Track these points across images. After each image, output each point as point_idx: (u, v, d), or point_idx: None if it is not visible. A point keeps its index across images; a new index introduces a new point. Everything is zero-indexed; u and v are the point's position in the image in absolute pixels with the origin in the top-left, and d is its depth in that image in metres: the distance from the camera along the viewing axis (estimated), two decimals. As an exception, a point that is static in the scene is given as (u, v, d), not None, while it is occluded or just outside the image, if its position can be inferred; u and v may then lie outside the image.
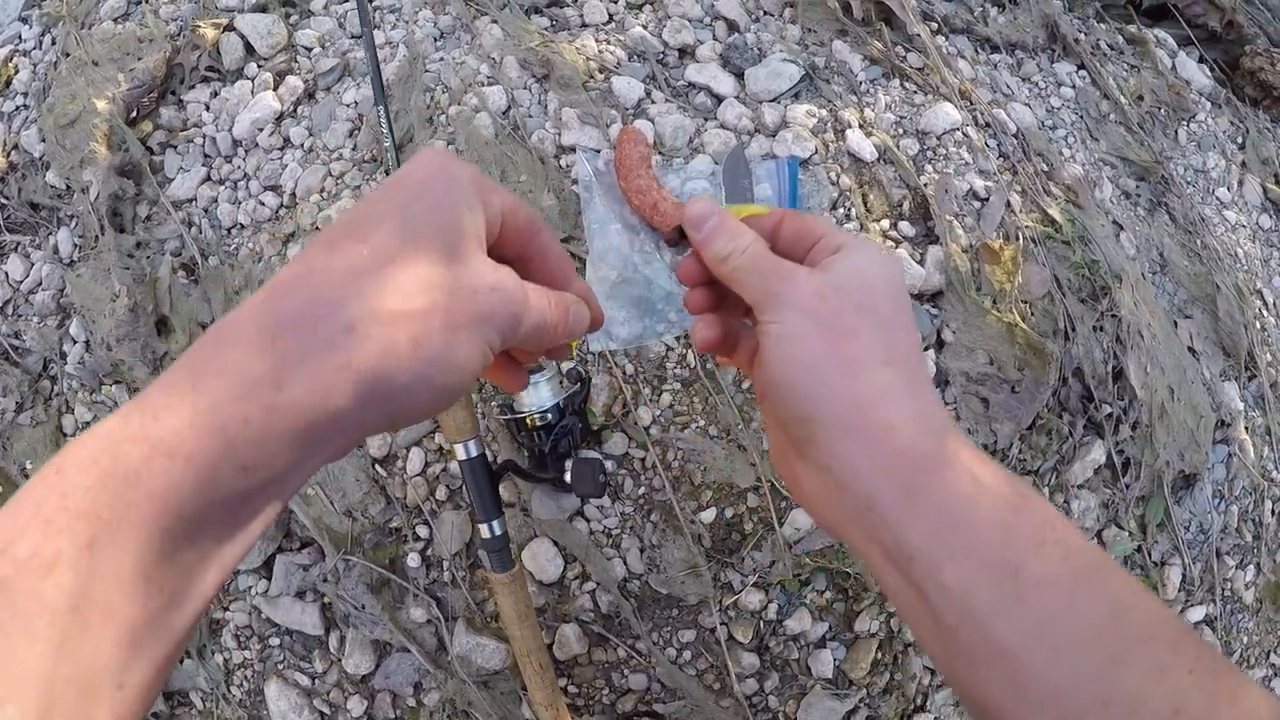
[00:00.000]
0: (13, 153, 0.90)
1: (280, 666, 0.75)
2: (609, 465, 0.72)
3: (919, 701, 0.81)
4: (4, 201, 0.88)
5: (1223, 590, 0.92)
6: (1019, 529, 0.27)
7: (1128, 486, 0.86)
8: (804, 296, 0.31)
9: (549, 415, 0.65)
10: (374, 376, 0.25)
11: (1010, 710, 0.25)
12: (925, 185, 0.82)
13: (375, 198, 0.28)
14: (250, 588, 0.75)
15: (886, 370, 0.29)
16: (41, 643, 0.20)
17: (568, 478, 0.64)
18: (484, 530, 0.65)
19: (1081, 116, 0.94)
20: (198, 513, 0.23)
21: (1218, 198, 0.97)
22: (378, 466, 0.73)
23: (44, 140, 0.88)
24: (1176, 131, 0.98)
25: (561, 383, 0.67)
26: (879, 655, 0.78)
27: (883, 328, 0.30)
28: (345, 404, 0.24)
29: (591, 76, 0.81)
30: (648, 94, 0.81)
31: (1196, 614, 0.90)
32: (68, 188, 0.86)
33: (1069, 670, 0.24)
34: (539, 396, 0.66)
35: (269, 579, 0.75)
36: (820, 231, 0.34)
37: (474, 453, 0.65)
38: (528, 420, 0.67)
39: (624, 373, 0.73)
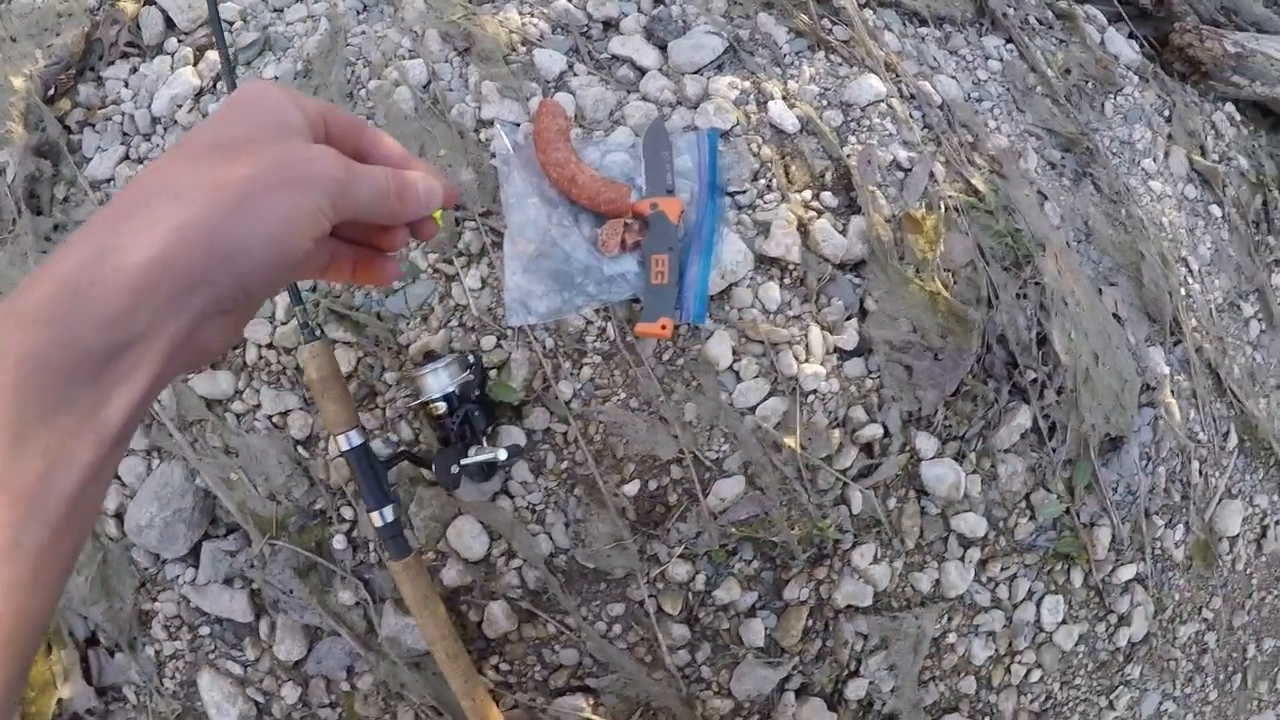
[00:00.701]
0: None
1: (212, 656, 0.75)
2: (533, 439, 0.72)
3: (852, 667, 0.82)
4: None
5: (1153, 550, 0.94)
6: None
7: (1054, 450, 0.87)
8: None
9: (444, 403, 0.66)
10: (207, 231, 0.27)
11: None
12: (848, 156, 0.82)
13: (198, 125, 0.31)
14: (178, 576, 0.74)
15: None
16: None
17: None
18: (375, 519, 0.65)
19: (1008, 89, 0.95)
20: (64, 372, 0.24)
21: (1143, 169, 0.99)
22: (300, 449, 0.73)
23: None
24: (1103, 104, 0.99)
25: (458, 371, 0.67)
26: (810, 623, 0.79)
27: None
28: (185, 259, 0.26)
29: (514, 49, 0.81)
30: (570, 67, 0.81)
31: (1127, 573, 0.92)
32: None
33: None
34: (434, 384, 0.66)
35: (196, 567, 0.74)
36: None
37: (356, 442, 0.65)
38: (429, 409, 0.67)
39: (544, 347, 0.73)
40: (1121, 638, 0.96)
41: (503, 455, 0.65)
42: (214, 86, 0.83)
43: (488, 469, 0.69)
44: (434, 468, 0.65)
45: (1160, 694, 1.03)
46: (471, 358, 0.68)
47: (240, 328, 0.32)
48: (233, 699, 0.74)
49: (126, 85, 0.84)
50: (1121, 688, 1.00)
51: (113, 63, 0.86)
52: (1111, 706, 1.00)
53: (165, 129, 0.81)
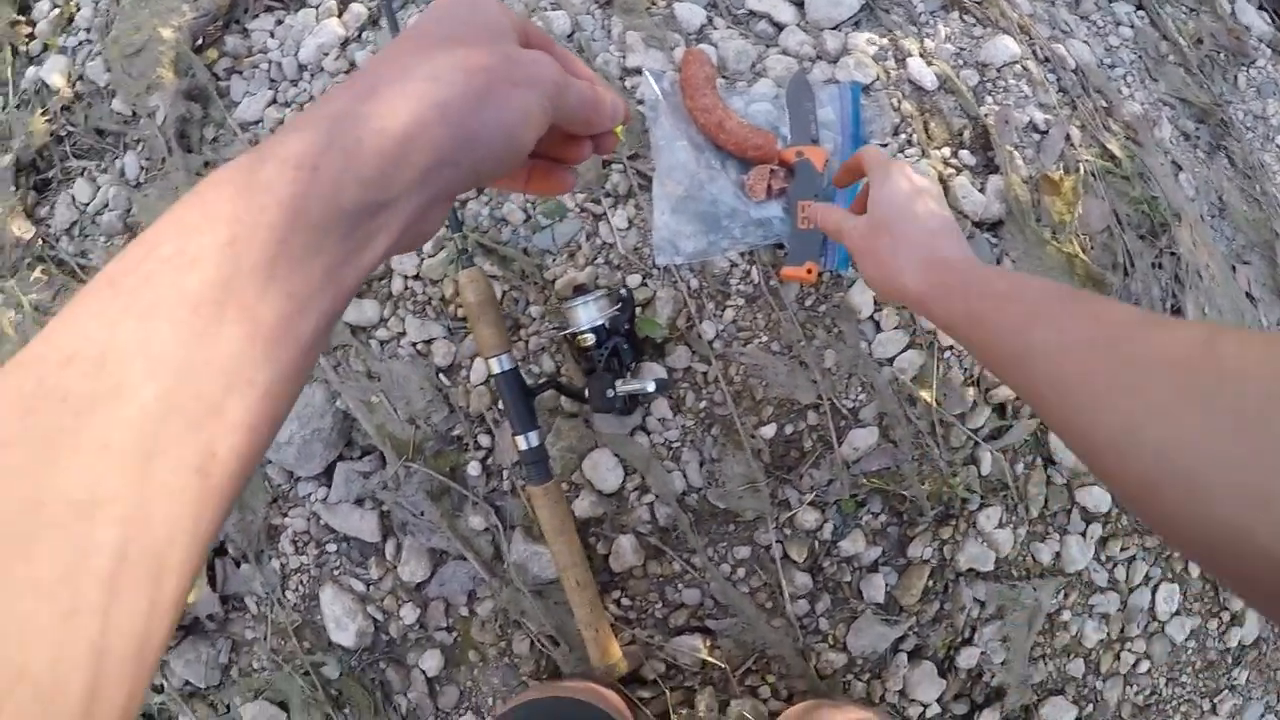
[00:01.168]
0: (78, 83, 0.91)
1: (336, 572, 0.76)
2: (674, 377, 0.73)
3: (967, 634, 0.81)
4: (71, 129, 0.90)
5: None
6: (979, 313, 0.43)
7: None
8: (858, 242, 0.56)
9: (593, 335, 0.66)
10: (460, 113, 0.28)
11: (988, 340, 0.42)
12: (985, 116, 0.82)
13: (413, 23, 0.32)
14: (310, 494, 0.76)
15: (894, 259, 0.52)
16: (184, 330, 0.21)
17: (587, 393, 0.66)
18: (520, 442, 0.67)
19: (1140, 56, 0.94)
20: (324, 221, 0.25)
21: (1277, 145, 0.97)
22: (441, 375, 0.74)
23: (109, 70, 0.89)
24: (1236, 76, 0.97)
25: (607, 305, 0.68)
26: (930, 583, 0.78)
27: (893, 234, 0.53)
28: (439, 136, 0.27)
29: (654, 2, 0.82)
30: (709, 20, 0.81)
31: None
32: (134, 114, 0.87)
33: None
34: (584, 316, 0.67)
35: (329, 486, 0.75)
36: (861, 171, 0.61)
37: (506, 366, 0.66)
38: (578, 340, 0.67)
39: (689, 287, 0.73)
40: (1232, 638, 0.94)
41: (651, 387, 0.66)
42: (359, 36, 0.85)
43: (630, 401, 0.69)
44: (587, 393, 0.66)
45: (1264, 705, 1.00)
46: (623, 291, 0.68)
47: (444, 217, 0.33)
48: (353, 615, 0.75)
49: (272, 36, 0.86)
50: (1226, 691, 0.97)
51: (257, 16, 0.88)
52: (1214, 711, 0.97)
53: (312, 76, 0.83)
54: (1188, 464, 0.28)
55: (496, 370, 0.67)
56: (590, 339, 0.67)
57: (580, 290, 0.71)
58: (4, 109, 0.91)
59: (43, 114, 0.89)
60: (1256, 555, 0.26)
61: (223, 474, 0.22)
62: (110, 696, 0.19)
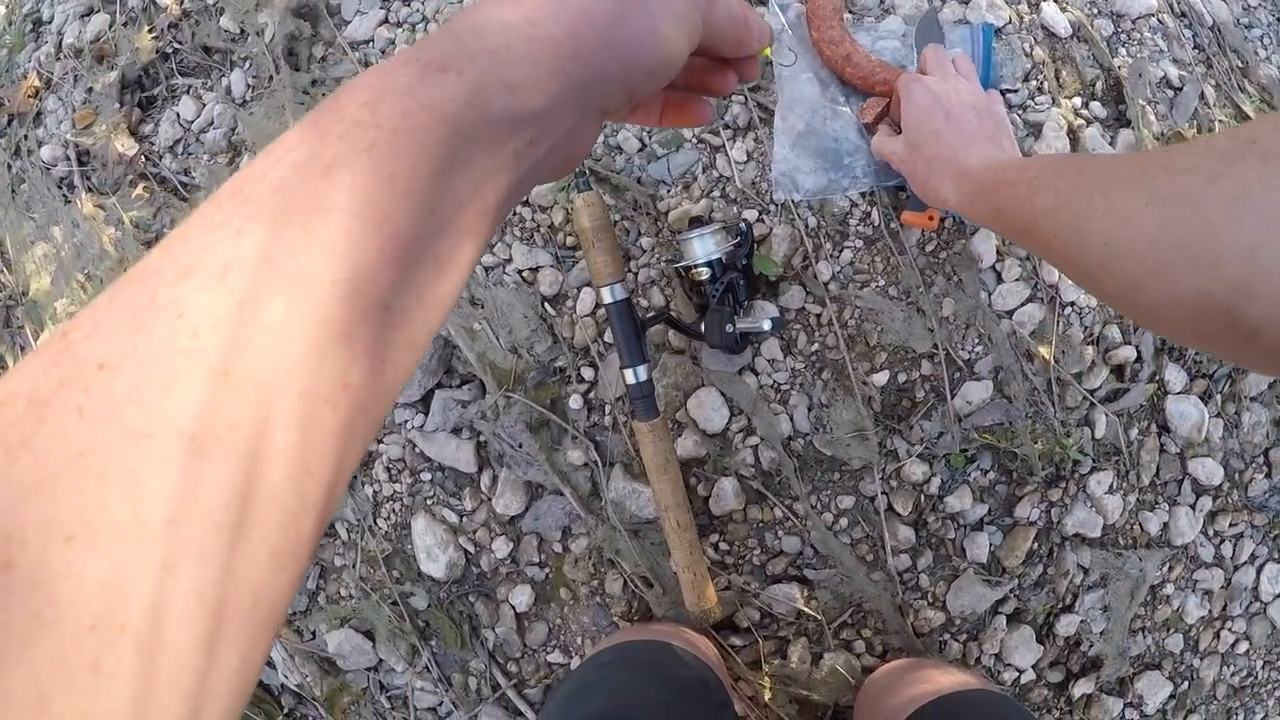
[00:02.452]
0: (186, 1, 0.90)
1: (429, 502, 0.75)
2: (786, 317, 0.70)
3: (1068, 601, 0.79)
4: (177, 46, 0.89)
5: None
6: (1006, 197, 0.48)
7: (1305, 403, 0.82)
8: (900, 165, 0.62)
9: (708, 269, 0.64)
10: (610, 20, 0.26)
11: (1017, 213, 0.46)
12: (1119, 67, 0.78)
13: None
14: (406, 421, 0.75)
15: (930, 169, 0.57)
16: (317, 242, 0.19)
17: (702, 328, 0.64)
18: (628, 375, 0.65)
19: (1278, 19, 0.89)
20: (469, 129, 0.22)
21: None
22: (547, 305, 0.73)
23: None
24: (1376, 43, 0.92)
25: (725, 239, 0.66)
26: (1035, 546, 0.76)
27: (926, 147, 0.59)
28: (589, 43, 0.26)
29: (777, -67, 0.79)
30: (835, -46, 0.78)
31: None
32: (242, 31, 0.86)
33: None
34: (700, 249, 0.65)
35: (426, 414, 0.75)
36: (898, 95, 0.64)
37: (619, 296, 0.64)
38: (692, 274, 0.65)
39: (806, 225, 0.71)
40: (1332, 624, 0.90)
41: (767, 325, 0.64)
42: None
43: (743, 340, 0.67)
44: (705, 328, 0.64)
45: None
46: (743, 225, 0.66)
47: (598, 136, 0.32)
48: (444, 546, 0.74)
49: None
50: (1320, 679, 0.93)
51: None
52: (1307, 699, 0.94)
53: None
54: (1156, 256, 0.33)
55: (609, 299, 0.65)
56: (705, 273, 0.65)
57: (697, 222, 0.69)
58: (111, 26, 0.91)
59: (150, 31, 0.88)
60: (1216, 313, 0.30)
61: (353, 406, 0.19)
62: (226, 653, 0.17)
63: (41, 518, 0.15)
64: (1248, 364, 0.33)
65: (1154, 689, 0.83)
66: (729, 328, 0.63)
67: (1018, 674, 0.78)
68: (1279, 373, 0.32)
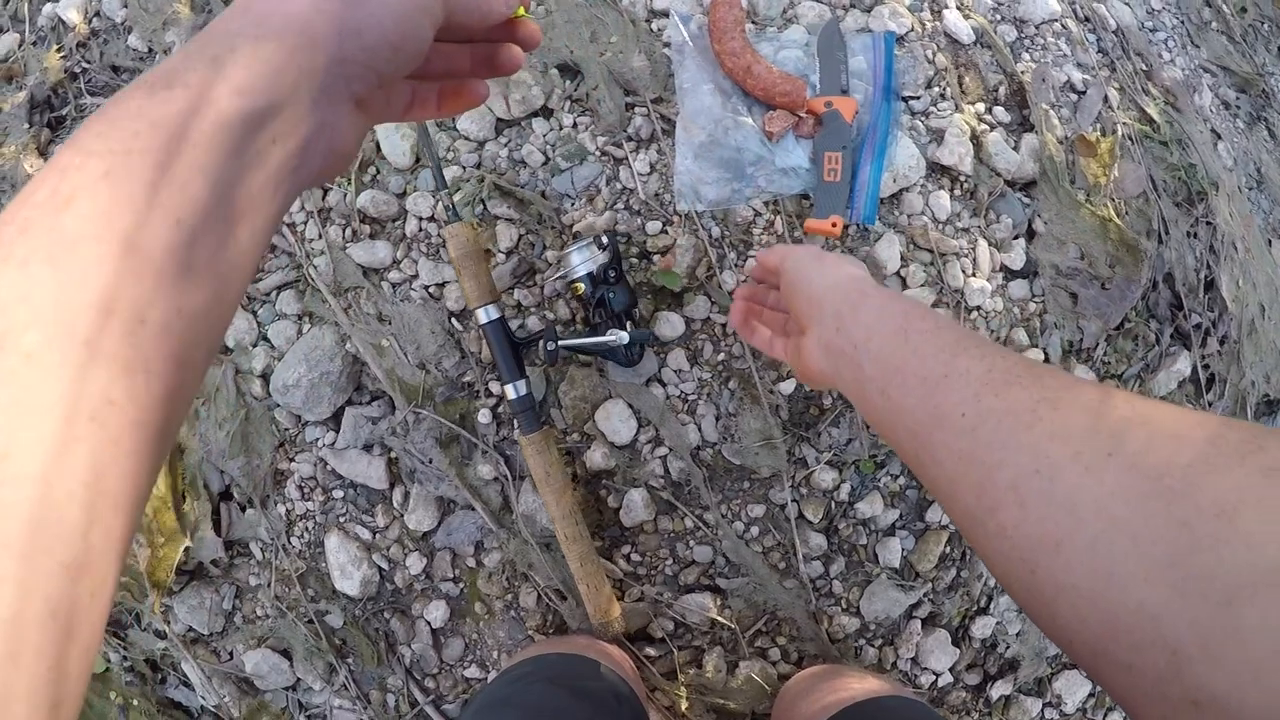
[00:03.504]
0: (94, 19, 0.89)
1: (342, 519, 0.75)
2: (692, 328, 0.71)
3: (983, 603, 0.79)
4: (86, 65, 0.88)
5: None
6: (910, 318, 0.40)
7: (1211, 404, 0.83)
8: (794, 315, 0.51)
9: (585, 283, 0.65)
10: (338, 5, 0.27)
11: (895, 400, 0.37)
12: (1022, 73, 0.79)
13: None
14: (318, 439, 0.74)
15: (804, 352, 0.47)
16: (63, 271, 0.20)
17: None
18: (509, 391, 0.66)
19: (1182, 22, 0.90)
20: (202, 137, 0.23)
21: (1319, 117, 0.93)
22: (453, 320, 0.72)
23: (125, 5, 0.87)
24: (1280, 46, 0.94)
25: (596, 251, 0.66)
26: (948, 549, 0.76)
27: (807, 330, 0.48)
28: (319, 31, 0.26)
29: (683, -55, 0.79)
30: (740, -35, 0.79)
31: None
32: (150, 50, 0.85)
33: (927, 363, 0.36)
34: (576, 263, 0.65)
35: (337, 431, 0.74)
36: (775, 269, 0.53)
37: (493, 316, 0.66)
38: (573, 287, 0.66)
39: (710, 235, 0.71)
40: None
41: (617, 339, 0.63)
42: None
43: (628, 353, 0.67)
44: (539, 344, 0.64)
45: None
46: (604, 239, 0.66)
47: (363, 132, 0.32)
48: (358, 563, 0.74)
49: None
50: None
51: None
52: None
53: None
54: (1098, 528, 0.25)
55: (483, 320, 0.66)
56: (582, 287, 0.65)
57: (576, 238, 0.69)
58: (20, 46, 0.89)
59: (58, 50, 0.87)
60: (1159, 646, 0.22)
61: (122, 421, 0.20)
62: (31, 661, 0.17)
63: None
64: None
65: (1072, 688, 0.84)
66: (549, 345, 0.63)
67: (935, 677, 0.79)
68: None
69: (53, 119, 0.88)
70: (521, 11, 0.35)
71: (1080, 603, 0.25)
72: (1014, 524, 0.28)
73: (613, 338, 0.63)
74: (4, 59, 0.90)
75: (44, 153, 0.87)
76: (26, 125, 0.87)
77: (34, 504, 0.18)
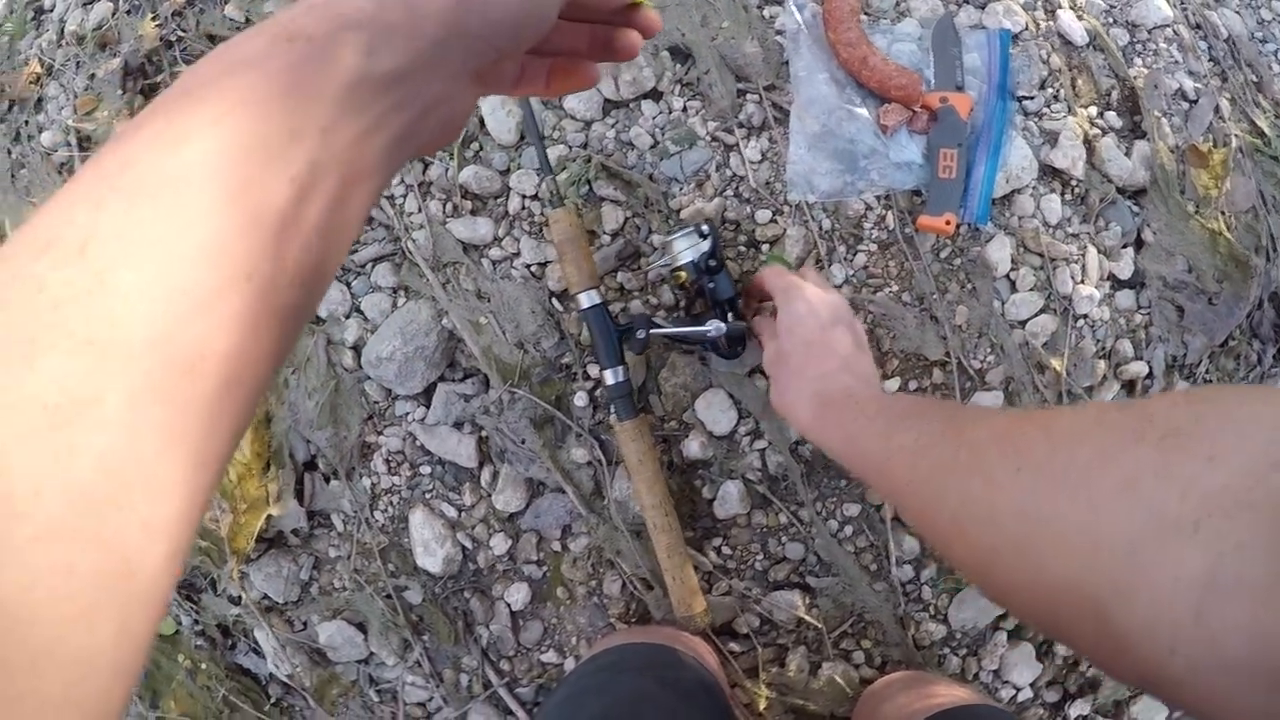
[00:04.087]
0: None
1: (428, 496, 0.74)
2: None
3: (1069, 617, 0.78)
4: (181, 34, 0.88)
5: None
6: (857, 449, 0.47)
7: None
8: (768, 366, 0.62)
9: (687, 271, 0.64)
10: None
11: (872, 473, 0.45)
12: (1134, 78, 0.78)
13: None
14: (407, 414, 0.74)
15: (806, 408, 0.55)
16: (166, 213, 0.19)
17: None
18: (607, 376, 0.65)
19: (1293, 36, 0.89)
20: (325, 95, 0.22)
21: None
22: (554, 300, 0.72)
23: None
24: (1392, 65, 0.92)
25: (697, 240, 0.65)
26: (1039, 560, 0.75)
27: (801, 375, 0.57)
28: (445, 2, 0.25)
29: (796, -67, 0.78)
30: (854, -44, 0.78)
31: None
32: (247, 19, 0.85)
33: (873, 455, 0.45)
34: (678, 251, 0.64)
35: (427, 407, 0.73)
36: (765, 293, 0.64)
37: (594, 301, 0.65)
38: (675, 274, 0.65)
39: (820, 227, 0.70)
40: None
41: (713, 330, 0.62)
42: None
43: (730, 345, 0.65)
44: (633, 331, 0.63)
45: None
46: (705, 227, 0.64)
47: (474, 105, 0.31)
48: (441, 540, 0.73)
49: None
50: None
51: None
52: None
53: None
54: (1021, 530, 0.29)
55: (584, 305, 0.65)
56: (685, 274, 0.64)
57: (681, 225, 0.68)
58: (114, 14, 0.90)
59: (153, 19, 0.87)
60: (1086, 608, 0.26)
61: (215, 378, 0.19)
62: (102, 624, 0.17)
63: None
64: (1112, 673, 0.28)
65: (1150, 714, 0.82)
66: (640, 333, 0.62)
67: (1015, 691, 0.77)
68: (1146, 688, 0.26)
69: (146, 86, 0.88)
70: (643, 1, 0.34)
71: (1026, 594, 0.30)
72: (963, 547, 0.34)
73: (709, 328, 0.62)
74: (98, 26, 0.90)
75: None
76: (120, 91, 0.87)
77: (120, 455, 0.17)
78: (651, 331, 0.63)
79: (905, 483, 0.39)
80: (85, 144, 0.87)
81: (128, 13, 0.90)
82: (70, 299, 0.17)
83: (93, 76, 0.88)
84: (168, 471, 0.18)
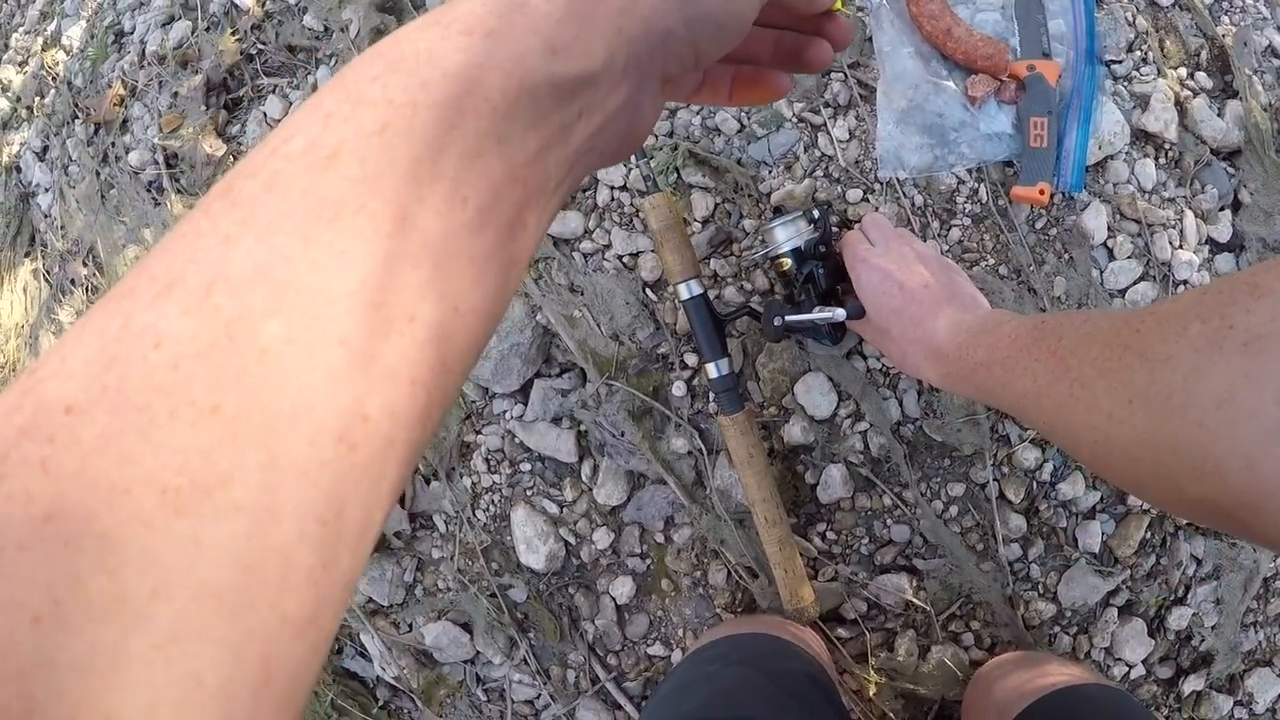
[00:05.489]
0: (268, 2, 0.91)
1: (529, 493, 0.75)
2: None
3: (1180, 593, 0.76)
4: (261, 47, 0.90)
5: None
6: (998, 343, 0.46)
7: None
8: (874, 343, 0.62)
9: (790, 259, 0.63)
10: None
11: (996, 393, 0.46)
12: (1223, 36, 0.76)
13: None
14: (505, 411, 0.74)
15: (926, 368, 0.54)
16: (318, 249, 0.16)
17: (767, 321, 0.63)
18: (710, 370, 0.65)
19: (1381, -15, 0.86)
20: (505, 101, 0.19)
21: None
22: (648, 290, 0.72)
23: None
24: None
25: (804, 226, 0.64)
26: (1148, 535, 0.73)
27: (905, 341, 0.56)
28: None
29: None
30: (926, -69, 0.77)
31: None
32: (326, 29, 0.86)
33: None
34: (781, 238, 0.63)
35: (525, 404, 0.74)
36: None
37: (695, 292, 0.64)
38: (776, 263, 0.64)
39: (912, 204, 0.69)
40: None
41: (840, 315, 0.61)
42: None
43: (832, 330, 0.65)
44: (761, 318, 0.62)
45: None
46: (816, 213, 0.64)
47: (660, 113, 0.29)
48: (544, 537, 0.74)
49: None
50: None
51: None
52: None
53: None
54: (1153, 458, 0.31)
55: (685, 296, 0.64)
56: (788, 263, 0.63)
57: (778, 211, 0.68)
58: (193, 32, 0.92)
59: (233, 34, 0.89)
60: (1229, 518, 0.28)
61: (376, 442, 0.16)
62: None
63: (2, 597, 0.12)
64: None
65: (1265, 686, 0.80)
66: (777, 320, 0.61)
67: (1127, 669, 0.76)
68: None
69: (229, 100, 0.90)
70: (839, 5, 0.32)
71: (1179, 509, 0.32)
72: (1114, 476, 0.36)
73: (836, 313, 0.61)
74: (179, 45, 0.93)
75: (221, 133, 0.89)
76: (203, 107, 0.89)
77: (254, 544, 0.14)
78: (787, 319, 0.62)
79: (1040, 424, 0.41)
80: (172, 161, 0.90)
81: (207, 30, 0.93)
82: (193, 356, 0.14)
83: (176, 95, 0.90)
84: (314, 558, 0.15)
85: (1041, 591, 0.73)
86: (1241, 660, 0.80)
